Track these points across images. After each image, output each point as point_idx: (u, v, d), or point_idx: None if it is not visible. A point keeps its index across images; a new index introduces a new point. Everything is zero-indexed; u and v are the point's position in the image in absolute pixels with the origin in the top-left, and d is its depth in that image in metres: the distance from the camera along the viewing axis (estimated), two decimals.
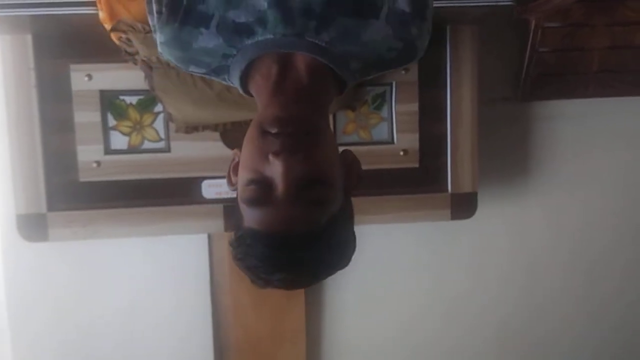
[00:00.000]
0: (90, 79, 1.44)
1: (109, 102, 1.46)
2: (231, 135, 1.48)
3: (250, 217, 0.77)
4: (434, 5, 1.27)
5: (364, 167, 1.60)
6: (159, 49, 0.87)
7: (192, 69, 0.89)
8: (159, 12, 0.83)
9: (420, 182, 1.56)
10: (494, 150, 1.72)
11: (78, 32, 1.39)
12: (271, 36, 0.81)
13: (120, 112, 1.47)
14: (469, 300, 1.90)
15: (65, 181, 1.47)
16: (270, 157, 0.74)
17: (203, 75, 0.91)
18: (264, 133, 0.76)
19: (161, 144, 1.49)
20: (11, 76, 1.42)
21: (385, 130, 1.56)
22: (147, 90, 1.40)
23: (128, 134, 1.48)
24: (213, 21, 0.82)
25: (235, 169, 0.86)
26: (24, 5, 1.26)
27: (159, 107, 1.46)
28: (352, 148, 1.57)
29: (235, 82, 0.89)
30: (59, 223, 1.47)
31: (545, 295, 1.93)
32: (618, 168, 1.88)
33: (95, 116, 1.45)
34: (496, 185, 1.79)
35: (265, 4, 0.80)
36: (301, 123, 0.77)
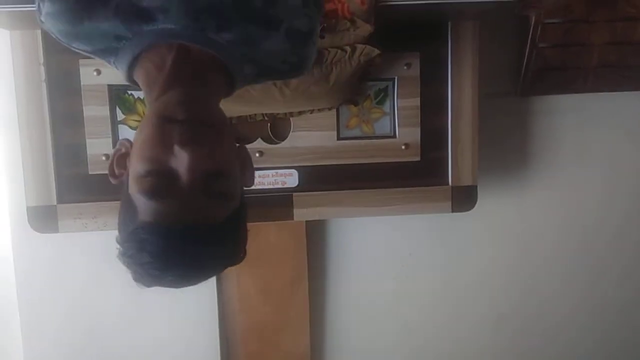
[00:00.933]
0: (99, 74, 1.46)
1: (118, 96, 1.49)
2: (236, 129, 1.50)
3: (148, 209, 0.72)
4: (438, 1, 1.31)
5: (367, 160, 1.63)
6: (42, 17, 0.82)
7: (76, 45, 0.84)
8: None
9: (421, 175, 1.58)
10: (494, 144, 1.74)
11: None
12: (172, 26, 0.79)
13: (128, 107, 1.50)
14: (470, 292, 1.92)
15: (74, 174, 1.49)
16: (176, 147, 0.71)
17: (85, 53, 0.85)
18: (166, 121, 0.73)
19: None
20: (21, 71, 1.45)
21: (388, 125, 1.58)
22: None
23: (136, 128, 1.51)
24: (113, 0, 0.78)
25: (120, 160, 0.82)
26: (33, 1, 1.28)
27: None
28: (355, 142, 1.60)
29: (121, 67, 0.85)
30: (68, 215, 1.49)
31: (545, 287, 1.95)
32: (617, 162, 1.89)
33: (104, 110, 1.48)
34: (496, 178, 1.81)
35: None
36: (204, 112, 0.75)
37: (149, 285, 0.76)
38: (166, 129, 0.72)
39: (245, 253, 0.81)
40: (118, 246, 0.76)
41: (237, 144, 0.84)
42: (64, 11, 0.79)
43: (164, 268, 0.73)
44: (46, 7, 0.80)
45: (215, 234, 0.74)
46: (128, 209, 0.75)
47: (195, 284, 0.77)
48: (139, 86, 0.87)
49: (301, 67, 0.90)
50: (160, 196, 0.72)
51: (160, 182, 0.72)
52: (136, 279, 0.76)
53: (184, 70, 0.80)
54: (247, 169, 0.84)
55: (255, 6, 0.82)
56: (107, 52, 0.84)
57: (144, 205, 0.73)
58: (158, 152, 0.72)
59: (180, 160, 0.71)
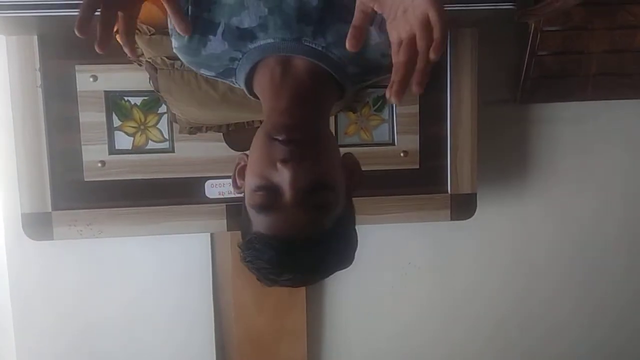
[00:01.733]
0: (95, 80, 1.45)
1: (114, 102, 1.48)
2: (235, 136, 1.50)
3: (259, 222, 0.80)
4: None
5: (365, 168, 1.61)
6: (174, 51, 0.92)
7: (203, 71, 0.94)
8: None
9: (420, 183, 1.58)
10: (493, 151, 1.74)
11: None
12: (272, 40, 0.86)
13: (124, 113, 1.49)
14: (468, 301, 1.91)
15: (70, 180, 1.48)
16: (278, 164, 0.77)
17: (214, 78, 0.95)
18: (271, 140, 0.79)
19: (165, 145, 1.51)
20: (17, 76, 1.44)
21: (386, 132, 1.57)
22: (151, 91, 1.41)
23: (132, 135, 1.50)
24: (219, 29, 0.87)
25: (240, 172, 0.90)
26: (30, 7, 1.27)
27: (163, 108, 1.48)
28: (353, 149, 1.59)
29: (241, 84, 0.93)
30: (63, 222, 1.48)
31: (544, 295, 1.94)
32: (617, 170, 1.89)
33: (100, 116, 1.47)
34: (495, 186, 1.80)
35: (266, 11, 0.85)
36: (306, 130, 0.80)
37: (269, 285, 0.83)
38: (271, 148, 0.79)
39: (354, 257, 0.87)
40: (240, 252, 0.84)
41: (345, 152, 0.92)
42: (183, 46, 0.90)
43: (279, 274, 0.81)
44: (173, 43, 0.91)
45: (322, 242, 0.80)
46: (245, 218, 0.84)
47: (313, 284, 0.89)
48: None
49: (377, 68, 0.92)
50: (267, 210, 0.80)
51: (268, 197, 0.79)
52: (258, 279, 0.84)
53: (288, 81, 0.86)
54: (355, 174, 0.91)
55: (344, 4, 0.84)
56: (227, 73, 0.93)
57: (256, 217, 0.81)
58: (264, 168, 0.79)
59: (283, 177, 0.78)
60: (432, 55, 0.67)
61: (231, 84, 0.97)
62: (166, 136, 1.51)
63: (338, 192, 0.83)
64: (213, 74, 0.95)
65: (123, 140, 1.49)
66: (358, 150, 1.55)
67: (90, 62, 1.45)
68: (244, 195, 0.85)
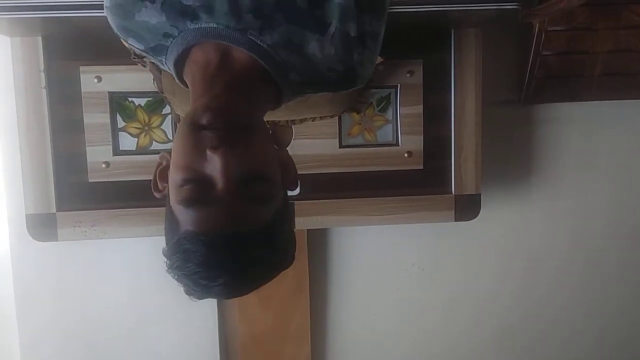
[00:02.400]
0: (99, 81, 1.46)
1: (118, 103, 1.48)
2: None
3: (189, 219, 0.72)
4: (441, 9, 1.30)
5: (369, 168, 1.62)
6: (105, 11, 0.83)
7: (132, 41, 0.84)
8: None
9: (424, 183, 1.57)
10: (497, 152, 1.74)
11: (88, 34, 1.41)
12: (214, 25, 0.78)
13: (129, 114, 1.49)
14: (471, 301, 1.91)
15: (74, 181, 1.49)
16: (208, 152, 0.70)
17: (142, 52, 0.86)
18: (196, 127, 0.72)
19: (169, 145, 1.51)
20: (22, 78, 1.44)
21: (390, 132, 1.57)
22: (155, 92, 1.41)
23: (137, 135, 1.50)
24: None
25: (162, 174, 0.83)
26: (34, 8, 1.28)
27: (167, 109, 1.48)
28: (357, 150, 1.60)
29: (170, 66, 0.84)
30: (68, 223, 1.48)
31: (547, 295, 1.93)
32: (621, 170, 1.88)
33: (104, 117, 1.47)
34: (499, 187, 1.80)
35: None
36: (234, 114, 0.73)
37: (200, 297, 0.75)
38: (197, 136, 0.71)
39: (293, 257, 0.80)
40: (165, 259, 0.75)
41: (279, 151, 0.83)
42: (117, 5, 0.81)
43: (211, 277, 0.71)
44: (105, 1, 0.82)
45: (258, 239, 0.73)
46: (171, 221, 0.75)
47: (246, 292, 0.76)
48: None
49: (350, 76, 0.84)
50: (198, 204, 0.71)
51: (197, 189, 0.71)
52: (187, 292, 0.75)
53: (224, 72, 0.79)
54: (289, 172, 0.83)
55: (300, 7, 0.79)
56: (157, 50, 0.84)
57: (184, 215, 0.73)
58: (192, 159, 0.72)
59: (214, 166, 0.71)
60: None
61: (160, 64, 0.87)
62: (170, 137, 1.51)
63: (276, 185, 0.77)
64: (142, 47, 0.84)
65: (127, 141, 1.50)
66: (361, 151, 1.55)
67: (95, 63, 1.45)
68: (167, 197, 0.77)
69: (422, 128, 1.55)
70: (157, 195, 0.83)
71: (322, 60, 0.82)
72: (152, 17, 0.80)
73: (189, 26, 0.79)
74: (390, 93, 1.55)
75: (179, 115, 1.40)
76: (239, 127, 0.72)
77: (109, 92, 1.47)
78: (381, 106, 1.56)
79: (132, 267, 1.75)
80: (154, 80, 1.35)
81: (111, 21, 0.83)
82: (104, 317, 1.77)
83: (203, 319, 1.78)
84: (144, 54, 0.86)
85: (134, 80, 1.46)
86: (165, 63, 0.85)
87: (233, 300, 1.76)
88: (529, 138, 1.83)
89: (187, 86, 0.86)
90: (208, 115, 0.71)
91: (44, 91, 1.45)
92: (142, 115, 1.50)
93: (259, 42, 0.79)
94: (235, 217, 0.71)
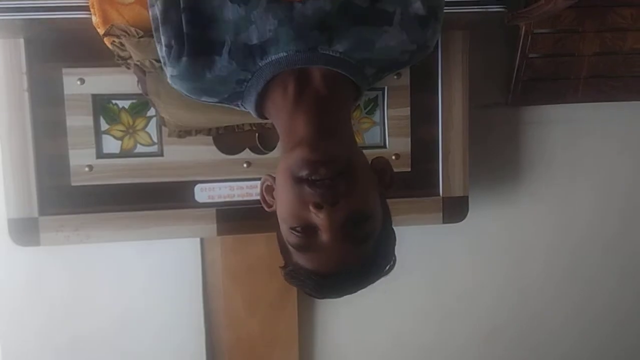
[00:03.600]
0: (82, 83, 1.43)
1: (102, 106, 1.46)
2: (224, 139, 1.48)
3: (299, 257, 0.79)
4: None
5: None
6: (169, 81, 0.85)
7: (205, 98, 0.86)
8: (169, 46, 0.80)
9: (412, 186, 1.57)
10: (485, 154, 1.74)
11: (71, 36, 1.39)
12: (284, 54, 0.80)
13: (112, 116, 1.47)
14: (460, 304, 1.91)
15: (57, 185, 1.46)
16: (311, 208, 0.74)
17: (217, 104, 0.88)
18: (297, 180, 0.75)
19: (154, 148, 1.49)
20: (3, 80, 1.41)
21: (378, 135, 1.56)
22: (139, 95, 1.40)
23: (120, 138, 1.48)
24: (225, 47, 0.80)
25: (268, 191, 0.87)
26: (16, 10, 1.26)
27: (151, 111, 1.47)
28: None
29: (250, 108, 0.87)
30: (50, 227, 1.46)
31: (536, 297, 1.94)
32: (608, 173, 1.89)
33: (87, 120, 1.45)
34: (487, 189, 1.80)
35: (276, 23, 0.79)
36: (333, 163, 0.75)
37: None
38: (300, 189, 0.75)
39: (395, 259, 0.85)
40: (282, 271, 0.83)
41: (373, 158, 0.87)
42: (185, 71, 0.81)
43: (326, 298, 0.85)
44: (169, 72, 0.82)
45: (365, 267, 0.80)
46: (284, 246, 0.82)
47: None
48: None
49: (423, 51, 0.87)
50: (307, 250, 0.78)
51: (305, 237, 0.77)
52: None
53: (307, 94, 0.81)
54: (384, 177, 0.87)
55: (360, 6, 0.81)
56: (233, 98, 0.86)
57: (294, 252, 0.79)
58: (297, 209, 0.76)
59: (318, 220, 0.75)
60: None
61: (236, 108, 0.90)
62: (155, 140, 1.49)
63: (376, 217, 0.80)
64: (216, 100, 0.87)
65: (111, 144, 1.48)
66: None
67: (78, 65, 1.43)
68: (278, 219, 0.82)
69: (409, 130, 1.55)
70: (267, 209, 0.88)
71: (395, 47, 0.84)
72: (222, 69, 0.81)
73: (259, 64, 0.81)
74: (377, 95, 1.55)
75: (163, 117, 1.38)
76: (337, 177, 0.74)
77: (92, 94, 1.44)
78: (368, 108, 1.55)
79: (116, 272, 1.73)
80: (138, 82, 1.33)
81: (181, 87, 0.84)
82: (89, 322, 1.75)
83: (189, 324, 1.76)
84: (219, 105, 0.88)
85: (117, 82, 1.44)
86: (242, 106, 0.88)
87: (220, 304, 1.75)
88: (515, 140, 1.83)
89: (266, 119, 0.89)
90: (306, 171, 0.74)
91: (26, 94, 1.42)
92: (126, 117, 1.48)
93: (331, 53, 0.81)
94: (342, 259, 0.77)
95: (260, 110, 0.87)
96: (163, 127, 1.45)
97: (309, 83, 0.82)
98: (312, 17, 0.79)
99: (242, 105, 0.88)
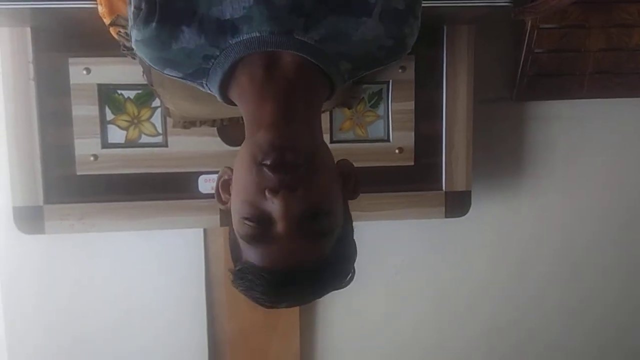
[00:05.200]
0: (88, 73, 1.44)
1: (107, 96, 1.47)
2: (228, 130, 1.49)
3: (250, 253, 0.74)
4: (433, 5, 1.29)
5: (360, 164, 1.61)
6: (133, 45, 0.80)
7: (168, 71, 0.81)
8: (138, 8, 0.76)
9: (415, 180, 1.57)
10: (488, 149, 1.73)
11: (77, 25, 1.39)
12: (257, 34, 0.75)
13: (118, 106, 1.48)
14: (462, 297, 1.91)
15: (62, 174, 1.47)
16: (267, 193, 0.70)
17: (180, 79, 0.83)
18: (257, 164, 0.71)
19: (158, 139, 1.50)
20: (9, 69, 1.42)
21: (381, 128, 1.56)
22: (145, 85, 1.41)
23: (125, 128, 1.49)
24: (195, 18, 0.76)
25: (224, 186, 0.82)
26: None
27: (156, 102, 1.47)
28: (348, 145, 1.59)
29: (213, 87, 0.81)
30: (55, 216, 1.47)
31: (536, 292, 1.93)
32: (612, 169, 1.88)
33: (93, 110, 1.46)
34: (490, 183, 1.80)
35: (252, 0, 0.74)
36: (298, 149, 0.71)
37: (267, 308, 0.78)
38: (258, 173, 0.71)
39: (354, 270, 0.80)
40: (231, 276, 0.77)
41: (339, 160, 0.82)
42: (151, 37, 0.77)
43: (274, 302, 0.75)
44: (134, 35, 0.78)
45: (321, 269, 0.74)
46: (234, 243, 0.77)
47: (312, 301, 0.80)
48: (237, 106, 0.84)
49: (400, 49, 0.83)
50: (259, 243, 0.72)
51: (258, 227, 0.72)
52: (253, 302, 0.77)
53: (276, 80, 0.76)
54: (349, 182, 0.82)
55: None
56: (197, 75, 0.81)
57: (246, 248, 0.74)
58: (252, 195, 0.71)
59: (273, 207, 0.70)
60: None
61: (200, 87, 0.83)
62: (159, 130, 1.50)
63: (336, 215, 0.76)
64: (180, 74, 0.81)
65: (116, 134, 1.48)
66: (353, 146, 1.54)
67: (84, 55, 1.44)
68: (231, 216, 0.77)
69: (413, 124, 1.55)
70: (221, 206, 0.83)
71: (372, 41, 0.80)
72: (190, 41, 0.76)
73: (230, 42, 0.76)
74: (382, 89, 1.55)
75: (168, 108, 1.39)
76: (300, 166, 0.71)
77: (98, 84, 1.45)
78: (373, 102, 1.55)
79: (120, 261, 1.74)
80: (143, 72, 1.34)
81: (144, 54, 0.80)
82: (91, 311, 1.76)
83: (191, 315, 1.77)
84: (181, 80, 0.83)
85: (123, 72, 1.44)
86: (206, 85, 0.82)
87: (222, 296, 1.76)
88: (520, 135, 1.83)
89: (233, 104, 0.83)
90: (268, 154, 0.70)
91: (32, 83, 1.43)
92: (131, 108, 1.48)
93: (306, 40, 0.76)
94: (296, 255, 0.72)
95: (224, 92, 0.82)
96: (168, 118, 1.46)
97: (279, 68, 0.77)
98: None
99: (206, 84, 0.82)
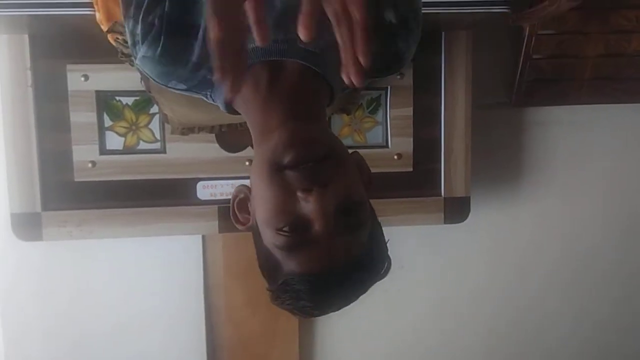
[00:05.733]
0: (86, 80, 1.44)
1: (105, 102, 1.47)
2: (227, 137, 1.48)
3: (292, 262, 0.71)
4: (431, 11, 1.29)
5: None
6: (138, 61, 0.79)
7: (173, 84, 0.81)
8: (151, 24, 0.75)
9: (414, 185, 1.57)
10: (487, 155, 1.74)
11: (75, 32, 1.39)
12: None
13: (116, 113, 1.47)
14: (460, 304, 1.91)
15: (60, 181, 1.47)
16: (300, 194, 0.68)
17: (183, 92, 0.82)
18: (280, 169, 0.69)
19: (157, 145, 1.50)
20: (7, 76, 1.42)
21: (380, 134, 1.56)
22: (143, 92, 1.40)
23: (124, 135, 1.49)
24: (201, 31, 0.76)
25: (241, 205, 0.80)
26: (21, 5, 1.26)
27: (154, 109, 1.47)
28: None
29: (218, 99, 0.81)
30: (53, 222, 1.46)
31: (535, 298, 1.93)
32: (611, 175, 1.89)
33: (91, 116, 1.45)
34: (489, 189, 1.80)
35: None
36: (314, 145, 0.70)
37: (313, 316, 0.77)
38: (282, 178, 0.69)
39: (389, 257, 0.79)
40: (270, 293, 0.75)
41: (351, 153, 0.80)
42: (161, 54, 0.76)
43: (323, 308, 0.74)
44: (142, 51, 0.77)
45: (363, 262, 0.73)
46: (269, 259, 0.74)
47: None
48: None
49: (396, 62, 0.83)
50: (299, 249, 0.70)
51: (296, 234, 0.69)
52: (299, 314, 0.76)
53: (281, 86, 0.76)
54: (364, 172, 0.81)
55: None
56: (202, 86, 0.80)
57: (286, 259, 0.71)
58: (283, 203, 0.69)
59: (309, 207, 0.68)
60: (354, 14, 0.58)
61: (204, 98, 0.83)
62: (158, 137, 1.50)
63: (366, 204, 0.75)
64: (185, 87, 0.81)
65: (114, 141, 1.48)
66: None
67: (82, 62, 1.44)
68: (257, 232, 0.75)
69: (412, 130, 1.55)
70: (239, 227, 0.81)
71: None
72: (197, 54, 0.76)
73: None
74: (380, 95, 1.54)
75: (166, 114, 1.39)
76: (323, 161, 0.69)
77: (95, 90, 1.45)
78: (371, 108, 1.55)
79: (118, 268, 1.74)
80: (141, 79, 1.34)
81: (150, 69, 0.79)
82: (89, 317, 1.76)
83: (190, 321, 1.77)
84: (185, 93, 0.82)
85: (121, 79, 1.44)
86: (211, 96, 0.82)
87: (220, 302, 1.75)
88: (518, 141, 1.83)
89: (237, 114, 0.82)
90: (290, 154, 0.68)
91: (30, 89, 1.43)
92: (129, 114, 1.48)
93: (311, 49, 0.76)
94: (338, 252, 0.70)
95: (229, 103, 0.81)
96: (166, 125, 1.45)
97: (282, 76, 0.76)
98: (294, 6, 0.73)
99: (211, 96, 0.82)
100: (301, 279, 0.70)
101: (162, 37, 0.75)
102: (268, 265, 0.75)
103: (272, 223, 0.71)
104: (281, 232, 0.70)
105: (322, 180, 0.68)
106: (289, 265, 0.71)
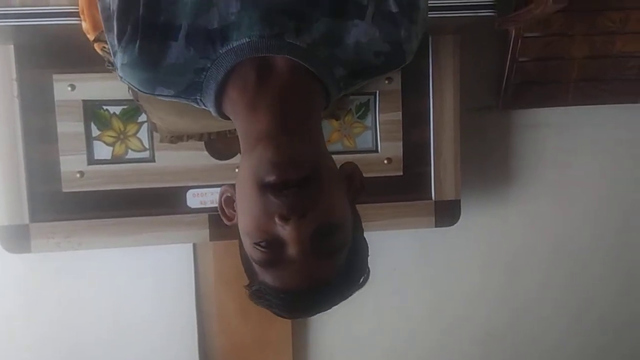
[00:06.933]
0: (73, 89, 1.43)
1: (92, 112, 1.46)
2: (216, 144, 1.48)
3: (265, 275, 0.72)
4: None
5: None
6: (119, 72, 0.76)
7: (159, 91, 0.77)
8: (122, 31, 0.73)
9: (404, 190, 1.57)
10: (476, 158, 1.74)
11: (61, 42, 1.38)
12: (247, 39, 0.72)
13: (103, 122, 1.47)
14: (452, 306, 1.91)
15: (48, 192, 1.46)
16: (277, 220, 0.67)
17: (172, 99, 0.79)
18: (262, 188, 0.68)
19: (145, 154, 1.49)
20: None
21: (370, 139, 1.56)
22: (130, 100, 1.40)
23: (112, 144, 1.48)
24: (182, 31, 0.73)
25: (227, 203, 0.80)
26: (6, 16, 1.26)
27: (142, 117, 1.46)
28: (336, 157, 1.57)
29: (208, 102, 0.77)
30: (41, 234, 1.45)
31: (527, 300, 1.94)
32: (599, 175, 1.90)
33: (78, 126, 1.44)
34: (479, 192, 1.81)
35: (239, 5, 0.72)
36: (299, 169, 0.68)
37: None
38: (264, 198, 0.68)
39: (369, 269, 0.78)
40: (248, 294, 0.75)
41: (342, 163, 0.80)
42: (138, 58, 0.73)
43: (297, 317, 0.78)
44: (119, 59, 0.75)
45: (337, 282, 0.73)
46: (247, 261, 0.75)
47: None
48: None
49: (398, 55, 0.79)
50: (274, 265, 0.70)
51: (270, 252, 0.70)
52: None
53: (269, 88, 0.73)
54: (354, 182, 0.79)
55: None
56: (191, 90, 0.77)
57: (259, 270, 0.72)
58: (261, 221, 0.69)
59: (285, 232, 0.68)
60: None
61: (194, 104, 0.79)
62: (146, 145, 1.49)
63: (347, 226, 0.73)
64: (172, 92, 0.77)
65: (102, 150, 1.47)
66: (341, 157, 1.53)
67: (68, 71, 1.43)
68: (239, 236, 0.75)
69: (401, 134, 1.55)
70: (227, 223, 0.81)
71: (367, 46, 0.77)
72: (179, 56, 0.74)
73: (220, 51, 0.73)
74: (369, 99, 1.55)
75: (155, 123, 1.38)
76: (305, 184, 0.68)
77: (83, 100, 1.44)
78: (360, 113, 1.55)
79: (109, 277, 1.72)
80: (129, 88, 1.33)
81: (132, 78, 0.76)
82: (81, 328, 1.74)
83: (182, 329, 1.76)
84: (174, 99, 0.79)
85: (108, 87, 1.43)
86: (201, 101, 0.78)
87: (212, 310, 1.74)
88: (507, 143, 1.84)
89: (228, 118, 0.80)
90: (272, 175, 0.67)
91: (17, 100, 1.42)
92: (117, 123, 1.47)
93: (298, 43, 0.73)
94: (313, 275, 0.71)
95: (219, 106, 0.78)
96: (155, 133, 1.45)
97: (271, 75, 0.73)
98: (279, 1, 0.72)
99: (200, 100, 0.78)
100: (273, 293, 0.71)
101: (138, 41, 0.73)
102: (246, 267, 0.76)
103: (250, 235, 0.71)
104: (258, 247, 0.70)
105: (301, 209, 0.67)
106: (264, 277, 0.72)
